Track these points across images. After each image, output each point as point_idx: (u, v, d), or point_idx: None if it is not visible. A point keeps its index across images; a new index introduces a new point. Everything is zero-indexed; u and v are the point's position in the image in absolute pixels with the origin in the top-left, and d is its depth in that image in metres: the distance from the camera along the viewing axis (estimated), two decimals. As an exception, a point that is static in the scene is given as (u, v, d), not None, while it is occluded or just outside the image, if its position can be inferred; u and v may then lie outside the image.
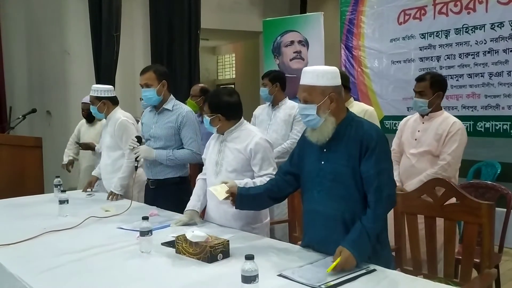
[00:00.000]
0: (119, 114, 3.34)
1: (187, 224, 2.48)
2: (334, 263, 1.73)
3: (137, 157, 2.96)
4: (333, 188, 1.94)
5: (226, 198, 2.15)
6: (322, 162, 1.98)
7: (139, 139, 2.98)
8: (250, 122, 2.92)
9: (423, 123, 3.06)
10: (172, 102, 3.05)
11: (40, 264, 1.92)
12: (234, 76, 11.07)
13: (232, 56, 11.21)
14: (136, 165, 3.00)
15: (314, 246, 2.03)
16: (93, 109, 3.42)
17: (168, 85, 3.04)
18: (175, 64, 6.55)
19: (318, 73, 1.94)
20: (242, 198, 2.15)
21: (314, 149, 2.01)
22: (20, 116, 4.92)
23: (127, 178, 3.20)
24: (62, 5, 6.41)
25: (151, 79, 2.97)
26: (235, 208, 2.20)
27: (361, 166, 1.88)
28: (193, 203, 2.59)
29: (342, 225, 1.91)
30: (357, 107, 3.33)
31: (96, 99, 3.36)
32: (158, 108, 3.05)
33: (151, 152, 2.94)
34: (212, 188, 2.21)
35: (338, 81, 1.96)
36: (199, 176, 2.71)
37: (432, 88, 2.99)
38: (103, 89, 3.39)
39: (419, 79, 3.07)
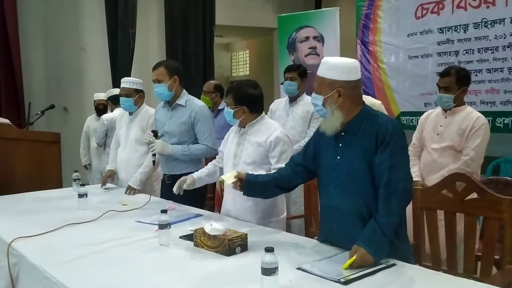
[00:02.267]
0: (152, 109, 3.36)
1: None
2: (349, 261, 1.72)
3: (153, 151, 2.97)
4: (349, 183, 1.93)
5: (235, 184, 2.17)
6: (338, 157, 1.96)
7: (155, 133, 2.99)
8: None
9: (445, 117, 3.02)
10: (185, 97, 3.04)
11: (61, 256, 1.95)
12: (248, 73, 11.07)
13: (246, 53, 11.21)
14: (153, 159, 3.01)
15: (331, 242, 2.02)
16: (127, 102, 3.37)
17: (181, 81, 3.02)
18: (190, 60, 6.58)
19: (329, 65, 1.92)
20: (249, 184, 2.17)
21: (330, 143, 1.99)
22: (39, 112, 4.99)
23: (147, 174, 3.23)
24: (78, 3, 6.48)
25: (162, 75, 2.97)
26: (243, 194, 2.22)
27: (375, 159, 1.86)
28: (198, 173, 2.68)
29: (359, 220, 1.89)
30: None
31: (135, 92, 3.37)
32: (171, 103, 3.05)
33: (167, 147, 2.95)
34: (223, 176, 2.25)
35: (352, 76, 1.91)
36: (212, 161, 2.73)
37: (458, 83, 2.95)
38: (139, 82, 3.42)
39: (443, 74, 3.02)
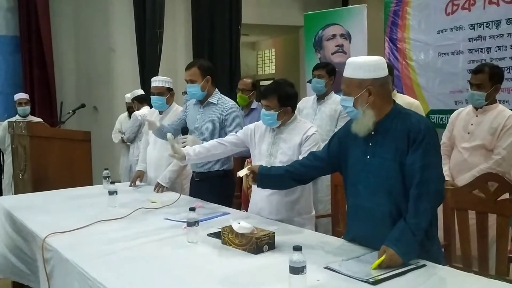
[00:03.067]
0: (181, 108, 3.41)
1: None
2: (378, 261, 1.71)
3: (184, 146, 2.98)
4: (379, 183, 1.90)
5: (247, 176, 2.20)
6: (368, 157, 1.94)
7: (186, 131, 3.03)
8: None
9: (476, 116, 2.96)
10: (217, 96, 3.09)
11: (93, 251, 2.00)
12: (273, 71, 11.06)
13: (272, 51, 11.20)
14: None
15: (359, 241, 2.01)
16: (160, 100, 3.39)
17: (213, 80, 3.06)
18: (216, 59, 6.61)
19: (356, 65, 1.90)
20: (262, 177, 2.19)
21: (359, 142, 1.97)
22: (70, 111, 5.13)
23: (176, 172, 3.27)
24: (108, 4, 6.62)
25: (195, 75, 3.00)
26: (257, 186, 2.25)
27: (407, 159, 1.83)
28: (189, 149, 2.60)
29: (389, 220, 1.87)
30: (400, 100, 3.21)
31: (167, 90, 3.42)
32: (203, 101, 3.09)
33: (198, 143, 2.97)
34: (239, 172, 2.28)
35: (380, 73, 1.89)
36: (219, 140, 2.69)
37: (491, 80, 2.88)
38: (170, 81, 3.46)
39: (476, 71, 2.95)
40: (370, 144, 1.94)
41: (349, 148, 2.04)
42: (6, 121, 5.08)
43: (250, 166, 2.26)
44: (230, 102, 3.08)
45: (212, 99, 3.07)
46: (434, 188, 1.79)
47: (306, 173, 2.20)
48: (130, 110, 5.27)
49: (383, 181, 1.89)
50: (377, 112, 1.90)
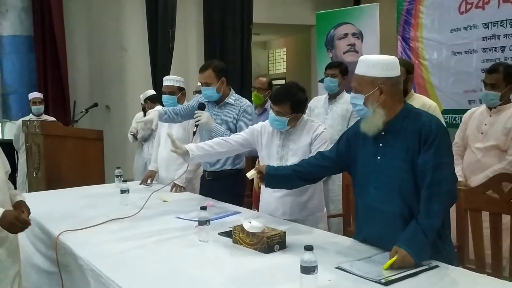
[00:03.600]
0: None
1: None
2: (390, 261, 1.70)
3: (198, 122, 2.92)
4: (390, 184, 1.89)
5: (255, 176, 2.23)
6: (378, 157, 1.93)
7: (203, 106, 3.01)
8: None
9: (490, 116, 2.92)
10: (234, 96, 3.09)
11: (105, 249, 2.02)
12: (285, 70, 11.05)
13: (283, 51, 11.18)
14: (194, 130, 2.95)
15: (371, 242, 1.99)
16: (171, 99, 3.40)
17: (227, 80, 3.05)
18: (228, 59, 6.62)
19: (369, 63, 1.88)
20: (269, 177, 2.20)
21: (368, 143, 1.96)
22: (83, 110, 5.18)
23: (192, 172, 3.28)
24: (120, 3, 6.67)
25: (210, 78, 2.98)
26: (265, 186, 2.27)
27: (418, 159, 1.81)
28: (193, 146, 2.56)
29: (401, 221, 1.85)
30: (417, 101, 3.17)
31: (178, 90, 3.44)
32: (218, 102, 3.08)
33: (211, 121, 2.95)
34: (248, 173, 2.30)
35: (392, 72, 1.87)
36: (224, 138, 2.67)
37: (506, 80, 2.85)
38: (182, 80, 3.48)
39: (490, 71, 2.92)
40: (381, 144, 1.93)
41: (358, 149, 2.03)
42: (20, 120, 5.15)
43: (257, 166, 2.26)
44: (247, 102, 3.10)
45: (229, 100, 3.07)
46: (446, 189, 1.77)
47: (314, 173, 2.20)
48: (145, 111, 5.31)
49: (394, 182, 1.88)
50: (388, 112, 1.89)
